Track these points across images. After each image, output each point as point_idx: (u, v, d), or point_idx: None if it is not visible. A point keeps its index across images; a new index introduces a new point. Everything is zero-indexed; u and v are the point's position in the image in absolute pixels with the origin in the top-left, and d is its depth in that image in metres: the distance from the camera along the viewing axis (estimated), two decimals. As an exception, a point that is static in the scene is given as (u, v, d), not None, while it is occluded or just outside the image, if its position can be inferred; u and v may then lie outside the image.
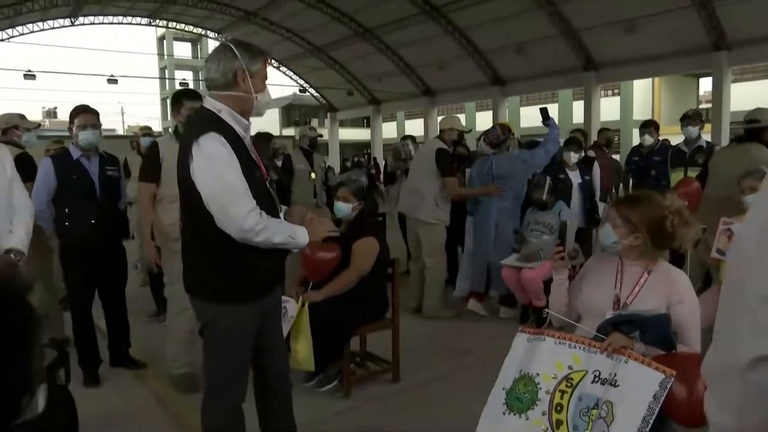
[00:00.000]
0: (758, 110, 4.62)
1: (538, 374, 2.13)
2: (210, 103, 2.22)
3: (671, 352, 2.05)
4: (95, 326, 3.95)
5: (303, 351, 3.31)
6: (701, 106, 26.18)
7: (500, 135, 5.33)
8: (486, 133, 5.52)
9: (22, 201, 2.91)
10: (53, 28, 20.68)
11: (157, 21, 23.31)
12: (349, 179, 3.91)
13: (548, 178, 5.05)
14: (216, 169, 2.08)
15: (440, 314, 5.25)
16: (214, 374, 2.34)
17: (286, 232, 2.19)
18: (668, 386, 1.84)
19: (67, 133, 3.98)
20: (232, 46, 2.20)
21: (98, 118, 3.78)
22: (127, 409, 3.51)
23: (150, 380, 3.92)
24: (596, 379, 2.01)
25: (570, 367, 2.08)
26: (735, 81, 15.95)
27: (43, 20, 20.25)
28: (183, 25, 24.39)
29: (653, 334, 2.03)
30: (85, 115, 3.70)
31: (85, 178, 3.70)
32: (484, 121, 26.17)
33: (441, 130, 5.51)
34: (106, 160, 3.84)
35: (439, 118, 26.68)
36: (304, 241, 2.25)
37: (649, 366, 1.90)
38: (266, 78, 2.28)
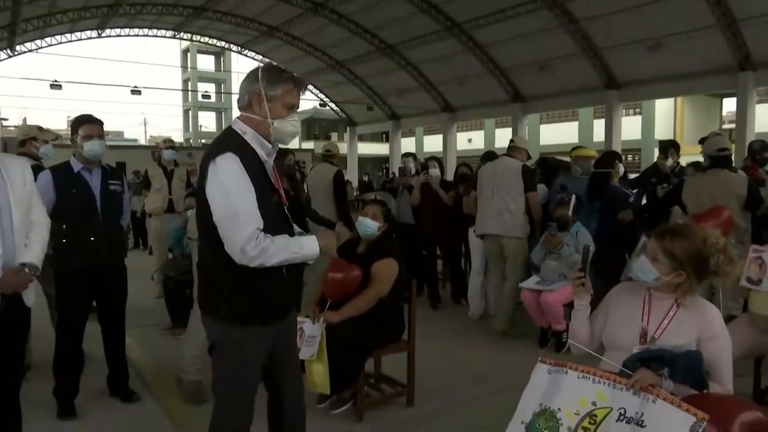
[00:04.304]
0: (724, 139, 4.96)
1: (559, 409, 2.04)
2: (238, 125, 2.23)
3: (703, 391, 1.95)
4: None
5: (319, 373, 3.23)
6: (724, 126, 25.80)
7: None
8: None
9: (40, 216, 2.85)
10: (80, 39, 21.11)
11: (182, 34, 23.72)
12: (383, 199, 3.79)
13: (574, 196, 4.95)
14: (225, 191, 2.07)
15: (509, 331, 5.21)
16: (222, 394, 2.31)
17: (289, 249, 2.12)
18: (700, 431, 1.74)
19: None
20: (258, 70, 2.22)
21: (102, 127, 3.56)
22: (136, 424, 3.46)
23: (158, 393, 3.88)
24: (621, 418, 1.90)
25: (594, 404, 1.98)
26: (760, 102, 15.65)
27: (71, 32, 20.68)
28: (207, 39, 24.78)
29: (684, 372, 1.92)
30: (89, 125, 3.48)
31: (86, 192, 3.47)
32: (503, 137, 26.09)
33: (514, 148, 5.46)
34: (108, 174, 3.61)
35: (459, 135, 26.30)
36: (312, 250, 2.17)
37: (680, 407, 1.79)
38: (291, 106, 2.23)
